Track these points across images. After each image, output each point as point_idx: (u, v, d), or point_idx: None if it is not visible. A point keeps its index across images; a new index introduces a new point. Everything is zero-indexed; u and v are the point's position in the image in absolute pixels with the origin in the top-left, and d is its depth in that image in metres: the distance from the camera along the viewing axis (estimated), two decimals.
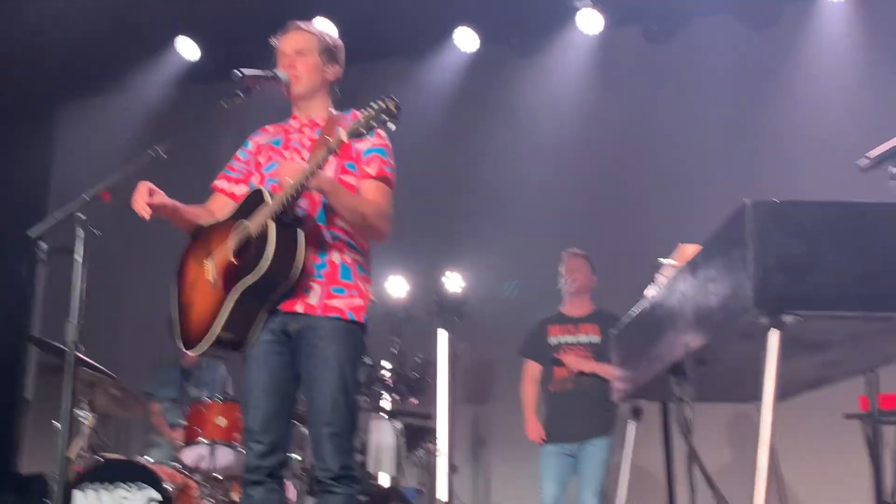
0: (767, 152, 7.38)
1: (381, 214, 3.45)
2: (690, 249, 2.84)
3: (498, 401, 7.97)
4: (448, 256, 7.84)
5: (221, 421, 5.27)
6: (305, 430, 4.63)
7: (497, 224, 8.06)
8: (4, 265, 8.41)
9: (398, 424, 6.29)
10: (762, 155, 7.39)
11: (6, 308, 8.78)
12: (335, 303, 3.42)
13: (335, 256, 3.46)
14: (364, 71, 8.49)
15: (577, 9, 7.75)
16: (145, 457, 5.72)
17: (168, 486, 5.17)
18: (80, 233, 3.21)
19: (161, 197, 3.40)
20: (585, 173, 8.00)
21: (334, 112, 3.65)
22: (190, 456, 5.31)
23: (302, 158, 3.49)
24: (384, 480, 6.53)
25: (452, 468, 7.16)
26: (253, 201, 3.42)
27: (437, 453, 6.78)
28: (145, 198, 3.36)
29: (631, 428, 3.70)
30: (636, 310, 3.29)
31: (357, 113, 3.54)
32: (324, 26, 4.12)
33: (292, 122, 3.68)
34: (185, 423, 5.68)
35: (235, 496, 5.30)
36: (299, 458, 5.57)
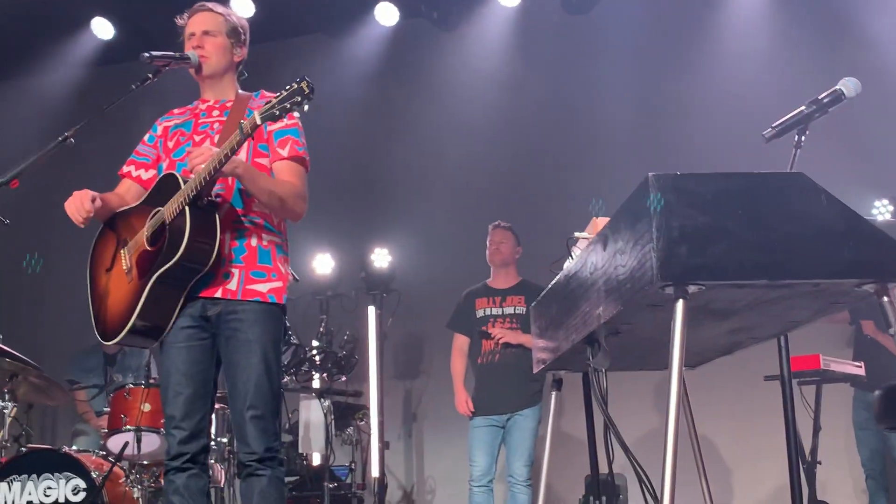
0: (684, 124, 7.48)
1: (296, 195, 3.43)
2: (603, 223, 2.88)
3: (428, 376, 8.01)
4: (374, 233, 7.84)
5: (146, 407, 5.21)
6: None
7: (422, 199, 8.06)
8: None
9: (327, 403, 6.29)
10: (678, 126, 7.49)
11: None
12: (255, 287, 3.39)
13: (253, 240, 3.43)
14: (285, 47, 8.44)
15: None
16: (73, 446, 5.63)
17: (94, 475, 5.11)
18: None
19: (99, 201, 3.36)
20: (508, 145, 8.03)
21: (242, 93, 3.62)
22: (115, 443, 5.24)
23: (212, 142, 3.45)
24: (315, 459, 6.54)
25: (384, 444, 7.19)
26: (166, 186, 3.37)
27: (367, 431, 6.80)
28: (87, 206, 3.31)
29: (552, 398, 3.75)
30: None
31: (267, 94, 3.53)
32: (230, 7, 4.03)
33: (200, 105, 3.64)
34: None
35: (163, 482, 5.25)
36: (226, 441, 5.54)
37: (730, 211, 2.22)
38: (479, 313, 6.06)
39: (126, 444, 5.14)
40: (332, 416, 6.28)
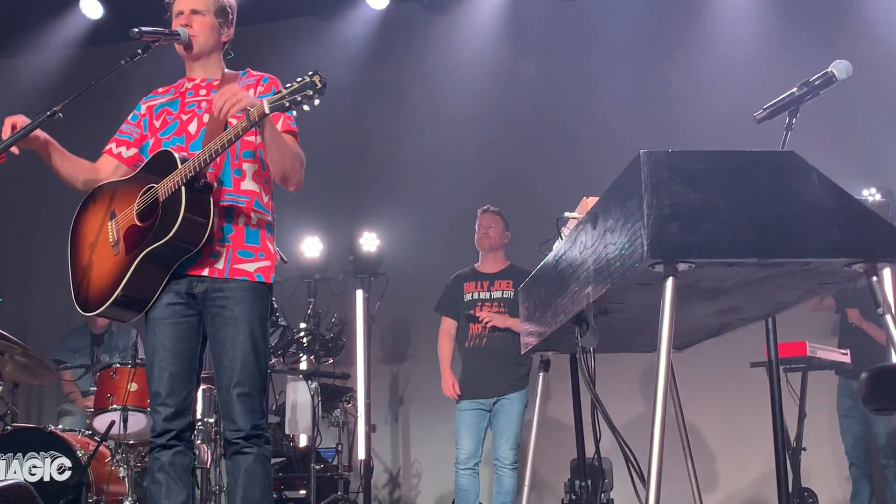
0: (675, 108, 7.49)
1: (301, 161, 3.43)
2: (593, 202, 2.87)
3: (415, 360, 8.02)
4: (363, 217, 7.83)
5: (133, 386, 5.19)
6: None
7: (411, 183, 8.05)
8: None
9: (314, 385, 6.29)
10: (669, 110, 7.51)
11: None
12: (243, 266, 3.39)
13: (241, 220, 3.42)
14: (276, 29, 8.41)
15: None
16: (59, 426, 5.62)
17: (80, 454, 5.11)
18: None
19: (23, 121, 3.31)
20: (498, 129, 8.02)
21: (229, 71, 3.60)
22: (101, 422, 5.23)
23: (201, 121, 3.44)
24: (302, 441, 6.55)
25: (371, 427, 7.19)
26: (160, 163, 3.34)
27: (354, 413, 6.80)
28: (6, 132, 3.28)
29: (540, 379, 3.75)
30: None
31: (254, 73, 3.53)
32: None
33: (186, 83, 3.62)
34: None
35: (148, 460, 5.24)
36: (212, 421, 5.53)
37: (721, 189, 2.21)
38: (467, 297, 6.06)
39: (112, 423, 5.14)
40: (319, 399, 6.28)
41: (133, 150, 3.59)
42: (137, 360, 5.29)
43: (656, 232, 2.16)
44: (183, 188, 3.22)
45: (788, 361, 5.04)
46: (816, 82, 3.16)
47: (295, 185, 3.44)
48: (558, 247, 3.13)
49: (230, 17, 3.63)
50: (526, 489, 3.79)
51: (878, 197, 5.79)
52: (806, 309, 6.20)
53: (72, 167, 3.51)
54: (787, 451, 4.75)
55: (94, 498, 5.09)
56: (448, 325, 6.13)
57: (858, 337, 6.06)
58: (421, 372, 7.76)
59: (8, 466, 5.14)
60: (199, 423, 5.29)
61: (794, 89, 3.18)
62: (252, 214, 3.44)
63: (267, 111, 3.11)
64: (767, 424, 3.43)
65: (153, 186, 3.30)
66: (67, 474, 5.09)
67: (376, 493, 7.77)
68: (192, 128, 3.47)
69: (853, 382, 5.95)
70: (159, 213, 3.26)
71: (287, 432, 6.43)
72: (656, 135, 7.13)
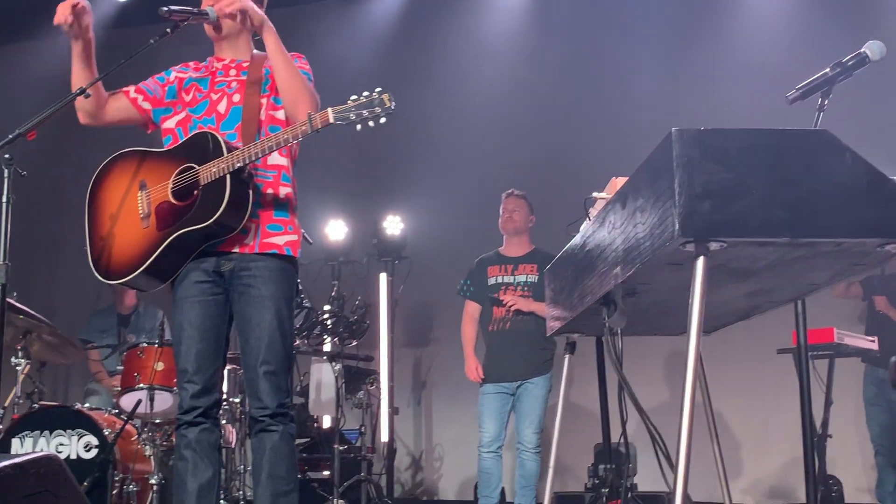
0: (702, 88, 7.44)
1: (309, 86, 3.43)
2: (622, 182, 2.85)
3: (438, 343, 8.02)
4: (387, 200, 7.84)
5: (160, 365, 5.22)
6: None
7: (436, 167, 8.05)
8: None
9: (338, 366, 6.31)
10: (697, 90, 7.46)
11: None
12: (272, 240, 3.39)
13: (269, 194, 3.42)
14: (303, 11, 8.41)
15: None
16: (85, 404, 5.66)
17: (106, 432, 5.14)
18: (5, 172, 3.15)
19: (88, 15, 3.41)
20: (523, 113, 8.00)
21: (258, 52, 3.60)
22: (128, 401, 5.26)
23: (231, 100, 3.45)
24: (326, 422, 6.57)
25: (393, 410, 7.21)
26: (201, 143, 3.33)
27: (378, 395, 6.82)
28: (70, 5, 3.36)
29: (566, 361, 3.74)
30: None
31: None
32: None
33: (216, 63, 3.61)
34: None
35: (175, 437, 5.27)
36: (237, 401, 5.56)
37: (753, 167, 2.18)
38: (491, 281, 6.05)
39: (139, 402, 5.16)
40: (343, 380, 6.29)
41: (148, 105, 3.57)
42: (164, 340, 5.31)
43: (688, 210, 2.14)
44: (228, 177, 3.22)
45: (816, 348, 5.00)
46: (850, 63, 3.12)
47: (304, 104, 3.31)
48: (585, 228, 3.11)
49: None
50: (550, 472, 3.79)
51: None
52: (833, 297, 6.16)
53: (88, 76, 3.44)
54: (812, 439, 4.72)
55: (120, 476, 5.12)
56: (472, 309, 6.12)
57: (886, 324, 6.01)
58: (444, 355, 7.76)
59: (35, 444, 5.18)
60: (225, 404, 5.31)
61: (827, 70, 3.14)
62: (281, 187, 3.45)
63: (331, 119, 3.13)
64: (792, 411, 3.41)
65: (193, 167, 3.31)
66: (94, 452, 5.12)
67: (399, 475, 7.80)
68: (222, 107, 3.47)
69: (879, 370, 5.90)
70: (199, 197, 3.26)
71: (311, 413, 6.45)
72: (684, 116, 7.07)
